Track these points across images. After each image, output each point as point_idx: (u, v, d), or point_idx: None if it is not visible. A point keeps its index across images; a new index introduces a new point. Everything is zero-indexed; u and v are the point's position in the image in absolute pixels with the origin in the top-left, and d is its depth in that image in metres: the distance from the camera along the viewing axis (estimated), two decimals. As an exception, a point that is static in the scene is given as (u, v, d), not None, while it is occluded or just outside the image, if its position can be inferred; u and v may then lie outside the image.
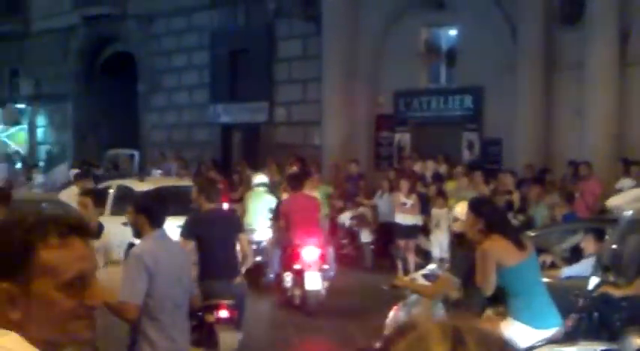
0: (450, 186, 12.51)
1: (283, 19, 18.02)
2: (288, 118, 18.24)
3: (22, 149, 26.16)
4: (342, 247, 13.09)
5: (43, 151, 25.50)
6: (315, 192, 10.57)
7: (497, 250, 4.81)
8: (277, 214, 9.90)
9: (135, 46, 22.03)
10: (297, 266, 9.11)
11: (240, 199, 14.47)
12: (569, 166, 12.62)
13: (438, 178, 13.25)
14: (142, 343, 4.06)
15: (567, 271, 7.13)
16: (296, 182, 9.81)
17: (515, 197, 11.46)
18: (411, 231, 11.69)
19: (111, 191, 11.90)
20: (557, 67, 13.62)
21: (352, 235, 13.07)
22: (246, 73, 18.91)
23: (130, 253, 4.29)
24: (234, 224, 6.93)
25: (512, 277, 4.84)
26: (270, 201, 10.94)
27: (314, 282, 8.98)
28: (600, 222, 7.85)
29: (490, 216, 4.95)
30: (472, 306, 5.11)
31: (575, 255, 7.66)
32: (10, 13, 25.33)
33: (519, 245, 4.89)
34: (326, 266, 9.38)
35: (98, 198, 11.65)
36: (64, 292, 1.49)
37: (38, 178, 19.18)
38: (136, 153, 20.08)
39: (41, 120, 26.35)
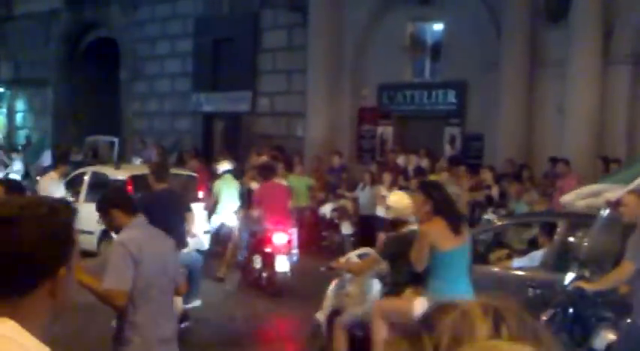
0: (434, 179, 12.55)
1: (269, 8, 17.93)
2: (272, 109, 18.18)
3: (0, 133, 25.85)
4: (323, 238, 13.12)
5: (21, 135, 25.20)
6: (283, 181, 11.18)
7: (435, 233, 5.18)
8: (247, 201, 10.65)
9: (118, 32, 21.82)
10: (267, 250, 9.75)
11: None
12: (550, 162, 12.72)
13: (420, 172, 13.28)
14: (128, 331, 4.03)
15: (516, 262, 7.49)
16: (267, 172, 10.34)
17: (495, 192, 11.55)
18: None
19: (86, 178, 11.87)
20: (541, 63, 13.71)
21: (333, 226, 13.08)
22: (229, 63, 18.81)
23: (114, 241, 4.27)
24: (182, 203, 7.91)
25: (441, 261, 5.19)
26: (238, 187, 11.57)
27: (283, 265, 9.63)
28: (552, 216, 8.17)
29: (437, 200, 5.30)
30: (398, 283, 5.65)
31: (533, 248, 7.95)
32: (-8, -5, 24.98)
33: (457, 232, 5.23)
34: (293, 251, 10.17)
35: (73, 184, 11.71)
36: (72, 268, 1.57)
37: (16, 163, 18.89)
38: (116, 140, 19.90)
39: (20, 104, 26.05)
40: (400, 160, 14.39)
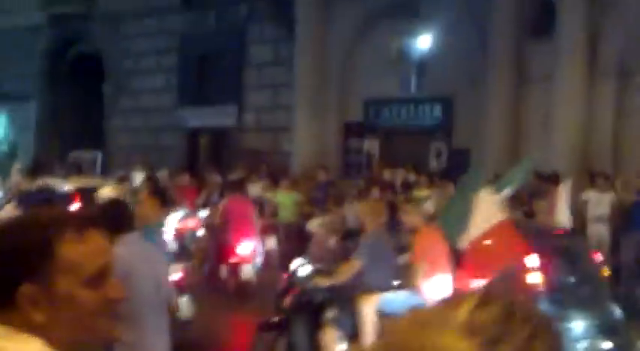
0: (418, 194, 12.52)
1: (255, 23, 17.93)
2: (258, 124, 18.13)
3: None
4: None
5: (1, 150, 24.90)
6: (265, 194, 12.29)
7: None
8: (215, 215, 11.04)
9: (102, 46, 21.70)
10: (233, 260, 10.25)
11: (204, 205, 14.36)
12: (535, 177, 12.73)
13: (407, 186, 13.26)
14: (120, 349, 3.93)
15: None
16: (235, 186, 11.04)
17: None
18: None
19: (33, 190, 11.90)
20: (527, 78, 13.79)
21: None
22: (215, 77, 18.76)
23: None
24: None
25: None
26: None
27: (248, 273, 10.27)
28: None
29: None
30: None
31: None
32: (-27, 9, 24.75)
33: None
34: (257, 260, 10.63)
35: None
36: (88, 287, 1.41)
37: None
38: (100, 155, 19.72)
39: (1, 119, 25.76)
40: (387, 174, 14.37)
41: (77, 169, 19.22)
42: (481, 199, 6.17)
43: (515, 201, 10.68)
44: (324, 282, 6.59)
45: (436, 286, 6.29)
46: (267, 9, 17.20)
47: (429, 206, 7.04)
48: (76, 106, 22.11)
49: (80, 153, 20.09)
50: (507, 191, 7.52)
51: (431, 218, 7.00)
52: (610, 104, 12.98)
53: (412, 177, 14.07)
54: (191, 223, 11.75)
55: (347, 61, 16.42)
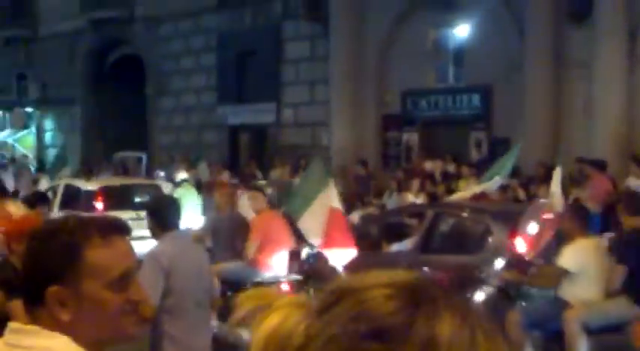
0: (460, 185, 12.50)
1: (290, 20, 18.06)
2: (296, 119, 18.27)
3: (30, 153, 26.26)
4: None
5: (51, 154, 25.57)
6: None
7: None
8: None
9: (142, 48, 22.11)
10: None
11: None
12: (577, 164, 12.59)
13: (447, 177, 13.25)
14: (164, 341, 4.11)
15: (395, 246, 8.83)
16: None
17: (522, 195, 11.47)
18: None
19: (59, 190, 12.23)
20: (566, 65, 13.62)
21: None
22: (253, 75, 18.96)
23: (147, 253, 4.34)
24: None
25: None
26: (196, 195, 11.86)
27: None
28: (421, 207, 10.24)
29: None
30: None
31: None
32: (18, 17, 25.43)
33: None
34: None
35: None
36: (112, 290, 1.52)
37: (43, 182, 19.08)
38: (144, 155, 20.12)
39: (49, 123, 26.46)
40: (427, 165, 14.36)
41: (123, 170, 19.67)
42: (324, 188, 7.13)
43: (506, 190, 10.76)
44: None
45: (274, 259, 7.65)
46: (302, 5, 17.31)
47: None
48: (119, 108, 22.57)
49: (125, 154, 20.52)
50: (497, 180, 8.34)
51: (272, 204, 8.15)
52: (652, 88, 12.76)
53: (452, 167, 14.05)
54: None
55: (383, 54, 16.43)
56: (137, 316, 1.57)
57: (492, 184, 9.55)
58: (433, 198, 11.90)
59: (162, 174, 16.97)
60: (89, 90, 23.69)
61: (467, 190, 10.06)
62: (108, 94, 23.05)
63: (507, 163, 9.50)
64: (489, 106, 15.01)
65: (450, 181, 12.91)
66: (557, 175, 7.93)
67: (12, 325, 1.53)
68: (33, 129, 26.60)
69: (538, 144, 13.68)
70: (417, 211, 9.88)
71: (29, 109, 26.56)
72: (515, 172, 12.48)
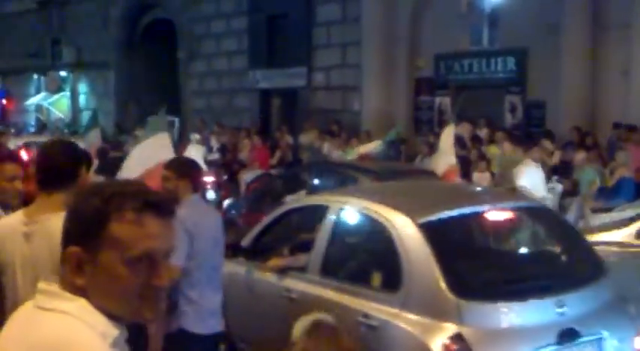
0: (492, 151, 12.33)
1: (322, -18, 17.81)
2: (327, 83, 18.14)
3: (65, 116, 26.62)
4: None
5: (85, 117, 25.88)
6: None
7: None
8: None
9: (174, 12, 22.07)
10: None
11: (278, 164, 14.60)
12: (614, 128, 12.33)
13: (477, 140, 13.06)
14: (183, 304, 4.22)
15: (289, 197, 8.94)
16: None
17: (556, 159, 11.30)
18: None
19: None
20: (604, 27, 13.22)
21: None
22: (284, 39, 18.82)
23: None
24: None
25: None
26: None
27: None
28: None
29: None
30: None
31: None
32: (52, -19, 25.56)
33: None
34: None
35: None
36: (129, 267, 1.48)
37: (79, 145, 19.27)
38: (177, 119, 20.23)
39: (83, 87, 26.72)
40: (457, 129, 14.13)
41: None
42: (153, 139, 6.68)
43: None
44: None
45: None
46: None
47: None
48: (152, 72, 22.66)
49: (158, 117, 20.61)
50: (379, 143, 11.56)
51: None
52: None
53: (483, 132, 13.85)
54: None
55: (416, 16, 16.14)
56: (154, 302, 1.52)
57: (372, 146, 11.73)
58: (463, 162, 11.76)
59: (197, 137, 17.08)
60: (122, 54, 23.79)
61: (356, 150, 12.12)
62: (141, 58, 23.14)
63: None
64: (525, 69, 14.70)
65: (480, 144, 12.73)
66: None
67: (40, 285, 1.54)
68: (67, 92, 26.89)
69: (574, 108, 13.40)
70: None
71: (63, 73, 26.83)
72: (548, 135, 12.28)
